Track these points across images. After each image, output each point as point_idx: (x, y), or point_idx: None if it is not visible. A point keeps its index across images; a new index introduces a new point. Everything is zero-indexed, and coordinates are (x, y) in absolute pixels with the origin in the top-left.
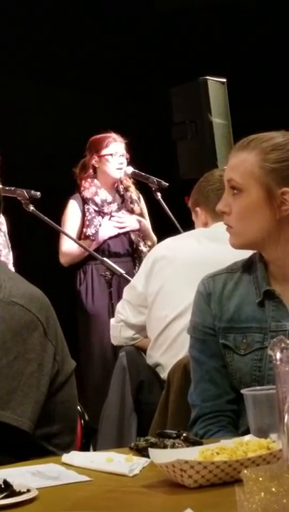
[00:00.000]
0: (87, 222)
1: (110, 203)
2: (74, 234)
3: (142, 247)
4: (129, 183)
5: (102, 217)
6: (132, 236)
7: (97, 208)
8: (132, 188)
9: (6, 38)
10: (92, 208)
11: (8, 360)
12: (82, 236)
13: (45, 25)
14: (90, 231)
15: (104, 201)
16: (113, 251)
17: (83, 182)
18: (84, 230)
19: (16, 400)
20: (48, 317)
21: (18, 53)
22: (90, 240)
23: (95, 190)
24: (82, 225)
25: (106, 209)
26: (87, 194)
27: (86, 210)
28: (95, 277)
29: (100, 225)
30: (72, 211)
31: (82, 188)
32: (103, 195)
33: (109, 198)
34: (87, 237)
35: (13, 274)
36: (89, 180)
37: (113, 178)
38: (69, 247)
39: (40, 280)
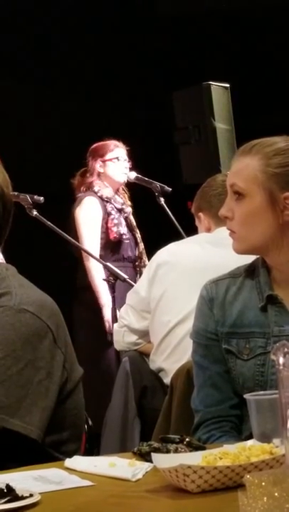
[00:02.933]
0: (116, 221)
1: (124, 205)
2: (97, 235)
3: (145, 257)
4: (126, 198)
5: (123, 217)
6: (140, 245)
7: (120, 207)
8: (128, 203)
9: (7, 41)
10: (114, 207)
11: (18, 369)
12: (111, 235)
13: (45, 27)
14: (122, 229)
15: (121, 203)
16: (125, 255)
17: (95, 183)
18: (114, 229)
19: (25, 408)
20: (58, 325)
21: (20, 56)
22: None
23: (111, 190)
24: (106, 225)
25: (125, 210)
26: (106, 193)
27: (110, 208)
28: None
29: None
30: (94, 209)
31: (97, 188)
32: (118, 197)
33: (121, 201)
34: (120, 235)
35: (24, 280)
36: (98, 182)
37: (118, 182)
38: (94, 262)
39: (42, 285)
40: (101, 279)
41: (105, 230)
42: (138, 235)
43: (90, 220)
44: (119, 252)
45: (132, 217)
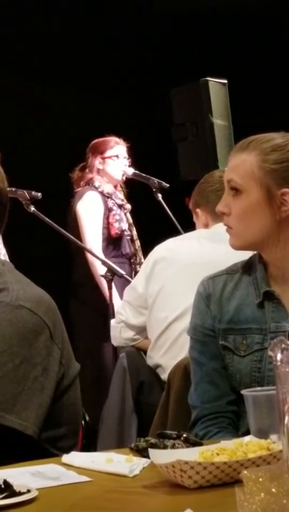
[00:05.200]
0: (118, 217)
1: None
2: (99, 230)
3: (140, 254)
4: (123, 190)
5: (124, 213)
6: (136, 242)
7: (121, 203)
8: (124, 196)
9: (6, 38)
10: (116, 202)
11: (15, 365)
12: (112, 231)
13: (45, 24)
14: (124, 225)
15: (121, 199)
16: (124, 251)
17: (95, 179)
18: (116, 225)
19: (21, 404)
20: (55, 320)
21: (19, 54)
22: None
23: (111, 186)
24: (107, 220)
25: (125, 206)
26: (107, 189)
27: (112, 204)
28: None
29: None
30: (96, 204)
31: (97, 183)
32: (118, 193)
33: (122, 197)
34: (122, 231)
35: (21, 276)
36: (98, 177)
37: (116, 180)
38: (98, 250)
39: (40, 280)
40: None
41: (106, 226)
42: (134, 232)
43: (92, 214)
44: (119, 249)
45: (128, 215)
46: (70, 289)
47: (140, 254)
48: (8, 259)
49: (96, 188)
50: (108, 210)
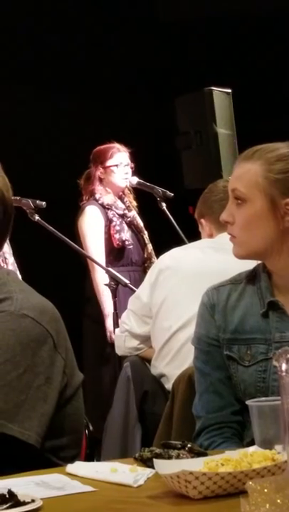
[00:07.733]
0: (118, 228)
1: (126, 210)
2: (101, 243)
3: (154, 258)
4: (131, 198)
5: (126, 223)
6: (148, 246)
7: (121, 212)
8: (134, 204)
9: (8, 44)
10: (116, 213)
11: (18, 374)
12: (114, 243)
13: (48, 34)
14: (124, 236)
15: (123, 208)
16: (133, 259)
17: (96, 190)
18: (116, 236)
19: (23, 414)
20: (58, 330)
21: (22, 61)
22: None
23: (113, 197)
24: (108, 232)
25: (128, 214)
26: (107, 200)
27: (112, 215)
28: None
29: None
30: (95, 218)
31: (98, 195)
32: (119, 202)
33: (123, 206)
34: (123, 241)
35: (25, 285)
36: (100, 188)
37: (120, 187)
38: (99, 269)
39: (44, 290)
40: (105, 288)
41: (108, 237)
42: (146, 236)
43: (92, 229)
44: (126, 258)
45: (138, 219)
46: (83, 302)
47: (154, 258)
48: (16, 268)
49: (96, 201)
50: (109, 222)
